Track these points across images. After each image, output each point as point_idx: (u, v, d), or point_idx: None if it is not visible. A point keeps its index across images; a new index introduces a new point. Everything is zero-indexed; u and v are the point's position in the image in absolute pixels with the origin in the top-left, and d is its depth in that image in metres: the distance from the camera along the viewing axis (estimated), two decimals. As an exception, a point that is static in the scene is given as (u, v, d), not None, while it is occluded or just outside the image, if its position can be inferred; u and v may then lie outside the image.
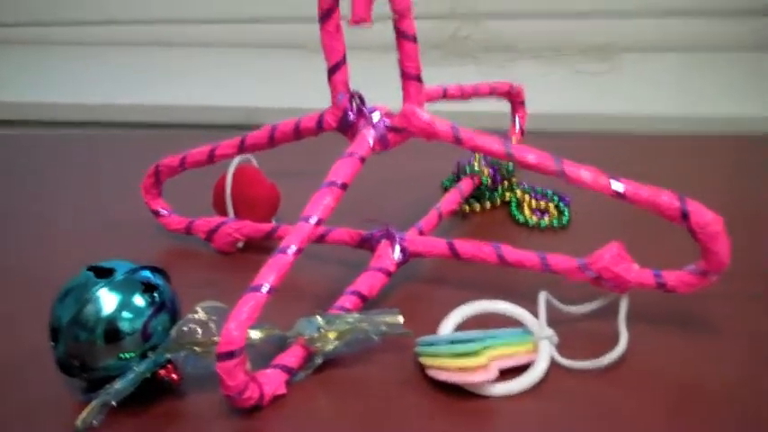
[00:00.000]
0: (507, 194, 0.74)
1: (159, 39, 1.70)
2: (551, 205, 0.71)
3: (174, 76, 1.55)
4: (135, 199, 0.70)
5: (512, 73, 1.42)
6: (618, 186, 0.51)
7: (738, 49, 1.51)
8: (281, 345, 0.52)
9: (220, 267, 0.67)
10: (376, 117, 0.57)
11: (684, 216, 0.49)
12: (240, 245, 0.68)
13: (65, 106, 1.49)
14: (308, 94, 1.31)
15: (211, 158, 0.65)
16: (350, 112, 0.58)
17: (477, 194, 0.73)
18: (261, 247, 0.68)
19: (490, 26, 1.52)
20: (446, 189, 0.76)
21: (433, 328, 0.53)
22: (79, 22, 1.76)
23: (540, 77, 1.40)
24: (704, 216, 0.49)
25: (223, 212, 0.70)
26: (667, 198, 0.50)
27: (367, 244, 0.63)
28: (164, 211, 0.70)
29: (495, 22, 1.53)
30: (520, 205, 0.72)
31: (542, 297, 0.53)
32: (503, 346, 0.50)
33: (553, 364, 0.51)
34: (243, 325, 0.46)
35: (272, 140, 0.62)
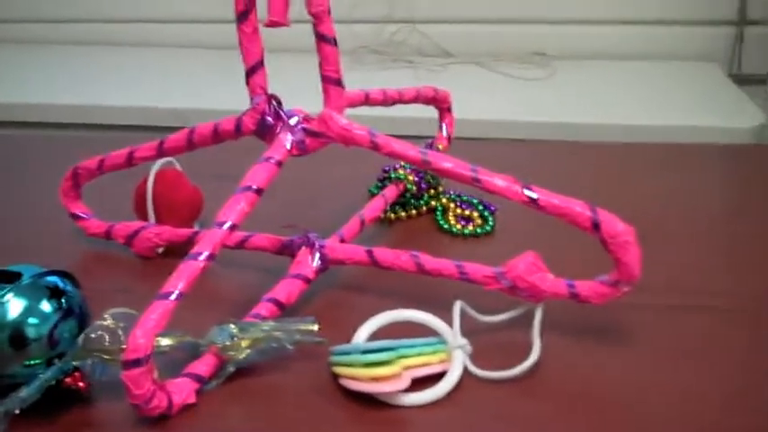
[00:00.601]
0: (433, 202, 0.74)
1: (88, 38, 1.67)
2: (476, 213, 0.72)
3: (100, 77, 1.52)
4: (55, 202, 0.69)
5: (447, 78, 1.43)
6: (531, 194, 0.51)
7: (670, 57, 1.54)
8: (194, 352, 0.52)
9: (139, 273, 0.66)
10: (293, 121, 0.57)
11: (596, 226, 0.50)
12: (160, 250, 0.67)
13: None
14: (240, 95, 1.31)
15: (130, 161, 0.64)
16: (267, 116, 0.57)
17: (402, 201, 0.73)
18: (181, 253, 0.65)
19: (426, 31, 1.53)
20: (373, 195, 0.76)
21: (349, 336, 0.53)
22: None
23: (475, 83, 1.41)
24: (615, 226, 0.49)
25: (144, 217, 0.69)
26: (579, 207, 0.50)
27: (287, 250, 0.62)
28: (83, 215, 0.69)
29: (431, 27, 1.53)
30: (445, 213, 0.72)
31: (457, 306, 0.53)
32: (416, 356, 0.50)
33: (466, 374, 0.51)
34: (150, 332, 0.45)
35: (191, 143, 0.61)
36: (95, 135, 1.35)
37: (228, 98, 1.33)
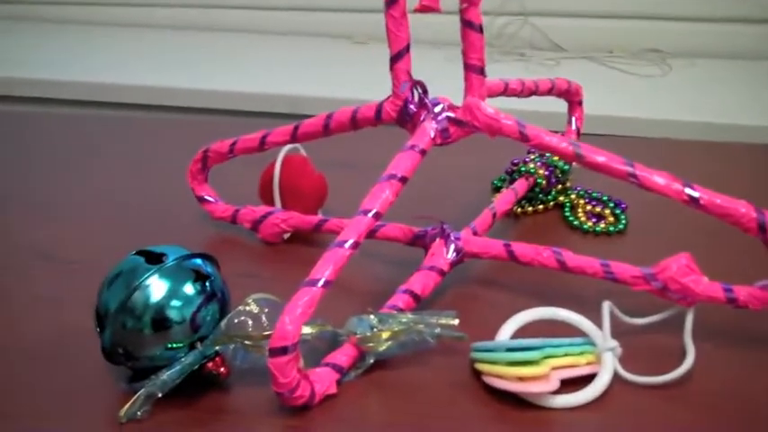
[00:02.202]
0: (561, 197, 0.71)
1: (207, 23, 1.69)
2: (607, 211, 0.69)
3: (218, 62, 1.53)
4: (180, 185, 0.69)
5: (559, 72, 1.39)
6: (692, 193, 0.49)
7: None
8: (333, 342, 0.51)
9: (265, 258, 0.65)
10: (438, 109, 0.55)
11: (762, 228, 0.47)
12: (286, 236, 0.66)
13: (106, 86, 1.47)
14: (351, 85, 1.31)
15: (262, 145, 0.64)
16: (411, 104, 0.56)
17: (529, 196, 0.71)
18: (306, 240, 0.66)
19: (538, 24, 1.50)
20: (496, 189, 0.74)
21: (486, 332, 0.51)
22: (125, 4, 1.74)
23: (588, 78, 1.38)
24: (783, 229, 0.47)
25: (270, 202, 0.68)
26: (744, 209, 0.48)
27: (419, 241, 0.61)
28: (210, 198, 0.69)
29: (543, 20, 1.50)
30: (574, 209, 0.70)
31: (606, 307, 0.50)
32: (564, 356, 0.48)
33: (616, 378, 0.49)
34: (298, 320, 0.44)
35: (327, 129, 0.60)
36: (214, 119, 1.36)
37: (342, 87, 1.35)
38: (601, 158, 0.51)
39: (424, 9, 0.51)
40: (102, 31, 1.74)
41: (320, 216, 0.67)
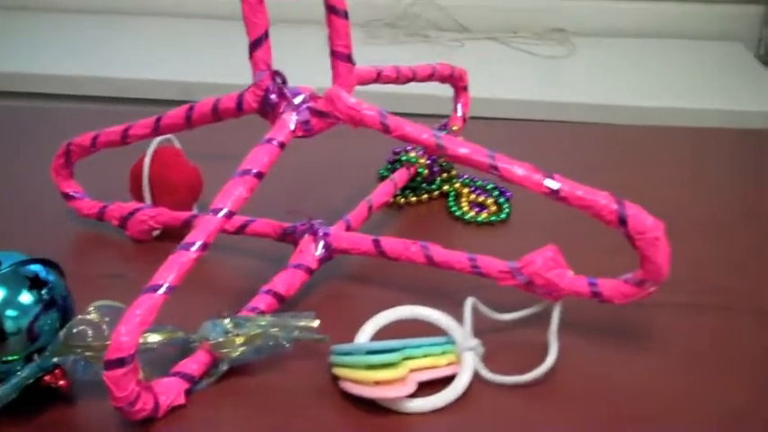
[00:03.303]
0: (445, 186, 0.70)
1: (93, 5, 1.62)
2: (490, 200, 0.68)
3: (106, 47, 1.47)
4: (46, 180, 0.65)
5: (464, 53, 1.38)
6: (552, 185, 0.47)
7: (694, 36, 1.48)
8: (185, 348, 0.48)
9: (133, 257, 0.62)
10: (298, 99, 0.53)
11: (622, 220, 0.46)
12: (156, 233, 0.64)
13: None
14: (246, 69, 1.26)
15: (125, 139, 0.60)
16: (271, 93, 0.53)
17: (413, 186, 0.69)
18: (178, 237, 0.62)
19: (443, 4, 1.48)
20: (382, 178, 0.72)
21: (353, 332, 0.49)
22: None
23: (492, 59, 1.37)
24: (643, 221, 0.45)
25: (140, 197, 0.65)
26: (604, 200, 0.46)
27: (289, 237, 0.58)
28: (75, 194, 0.65)
29: (448, 0, 1.48)
30: (458, 198, 0.68)
31: (468, 303, 0.49)
32: (423, 357, 0.46)
33: (476, 378, 0.47)
34: (135, 330, 0.42)
35: (190, 121, 0.57)
36: (90, 107, 1.30)
37: (232, 71, 1.31)
38: (463, 150, 0.49)
39: (275, -5, 0.48)
40: None
41: (192, 212, 0.64)
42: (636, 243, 0.46)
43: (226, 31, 1.49)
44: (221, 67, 1.34)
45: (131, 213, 0.63)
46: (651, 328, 0.52)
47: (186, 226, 0.62)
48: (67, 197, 0.65)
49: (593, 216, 0.47)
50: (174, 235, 0.63)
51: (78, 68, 1.37)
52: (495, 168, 0.48)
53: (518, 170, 0.48)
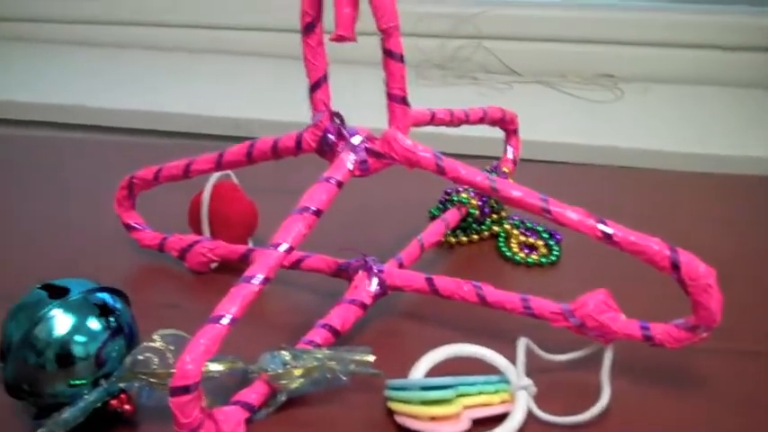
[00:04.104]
0: (495, 227, 0.71)
1: (145, 41, 1.66)
2: (540, 242, 0.69)
3: (160, 82, 1.50)
4: (108, 210, 0.68)
5: (512, 96, 1.40)
6: (606, 230, 0.48)
7: (744, 84, 1.48)
8: (244, 379, 0.49)
9: (191, 288, 0.64)
10: (356, 140, 0.54)
11: (675, 266, 0.47)
12: (214, 265, 0.65)
13: (33, 105, 1.43)
14: (300, 106, 1.29)
15: (187, 173, 0.62)
16: (329, 134, 0.55)
17: (463, 226, 0.70)
18: (234, 269, 0.64)
19: (492, 47, 1.50)
20: (433, 217, 0.73)
21: (406, 368, 0.50)
22: (61, 20, 1.69)
23: (540, 103, 1.38)
24: (696, 268, 0.46)
25: (198, 230, 0.67)
26: (658, 246, 0.47)
27: (344, 273, 0.60)
28: (137, 226, 0.67)
29: (497, 43, 1.50)
30: (507, 240, 0.70)
31: (522, 343, 0.50)
32: (476, 395, 0.47)
33: (530, 417, 0.48)
34: (199, 359, 0.43)
35: (250, 158, 0.59)
36: (151, 141, 1.33)
37: (290, 109, 1.34)
38: (516, 193, 0.50)
39: (339, 39, 0.50)
40: (25, 47, 1.68)
41: (248, 245, 0.66)
42: (688, 289, 0.47)
43: (275, 69, 1.54)
44: (272, 104, 1.37)
45: (191, 245, 0.65)
46: (701, 373, 0.53)
47: (243, 259, 0.64)
48: (129, 228, 0.67)
49: (645, 261, 0.48)
50: (230, 267, 0.65)
51: (137, 103, 1.41)
52: (548, 212, 0.49)
53: (571, 214, 0.49)
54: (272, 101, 1.38)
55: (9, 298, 0.49)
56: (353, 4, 0.50)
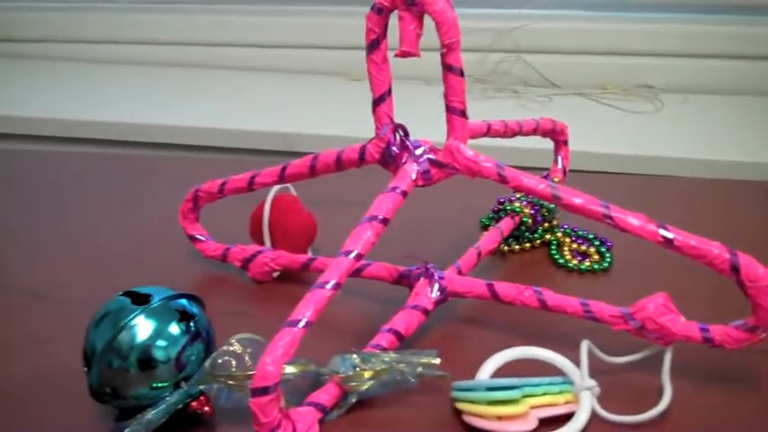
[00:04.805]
0: (547, 236, 0.72)
1: (201, 61, 1.70)
2: (592, 249, 0.70)
3: (212, 100, 1.54)
4: (172, 223, 0.70)
5: (552, 109, 1.41)
6: (667, 234, 0.50)
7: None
8: (316, 381, 0.51)
9: (255, 297, 0.66)
10: (419, 151, 0.56)
11: (735, 269, 0.48)
12: (276, 275, 0.67)
13: (98, 124, 1.47)
14: (347, 122, 1.32)
15: (251, 186, 0.65)
16: (393, 146, 0.57)
17: (516, 234, 0.72)
18: (296, 278, 0.67)
19: (531, 60, 1.51)
20: (484, 227, 0.75)
21: (468, 371, 0.52)
22: (117, 41, 1.75)
23: (580, 115, 1.39)
24: (756, 270, 0.48)
25: (260, 241, 0.69)
26: (718, 250, 0.49)
27: (404, 281, 0.62)
28: (201, 237, 0.70)
29: (536, 57, 1.52)
30: (560, 247, 0.71)
31: (584, 346, 0.51)
32: (542, 395, 0.49)
33: (594, 417, 0.49)
34: (279, 360, 0.45)
35: (313, 170, 0.61)
36: (207, 157, 1.37)
37: (329, 123, 1.36)
38: (578, 200, 0.52)
39: (403, 55, 0.52)
40: (91, 68, 1.72)
41: (309, 255, 0.68)
42: (748, 291, 0.48)
43: (324, 85, 1.58)
44: (318, 119, 1.40)
45: (253, 256, 0.67)
46: (760, 374, 0.54)
47: (304, 268, 0.66)
48: (193, 239, 0.70)
49: (705, 264, 0.49)
50: (291, 276, 0.67)
51: (190, 120, 1.45)
52: (610, 218, 0.51)
53: (632, 220, 0.51)
54: (319, 117, 1.41)
55: (90, 307, 0.51)
56: (419, 21, 0.52)
